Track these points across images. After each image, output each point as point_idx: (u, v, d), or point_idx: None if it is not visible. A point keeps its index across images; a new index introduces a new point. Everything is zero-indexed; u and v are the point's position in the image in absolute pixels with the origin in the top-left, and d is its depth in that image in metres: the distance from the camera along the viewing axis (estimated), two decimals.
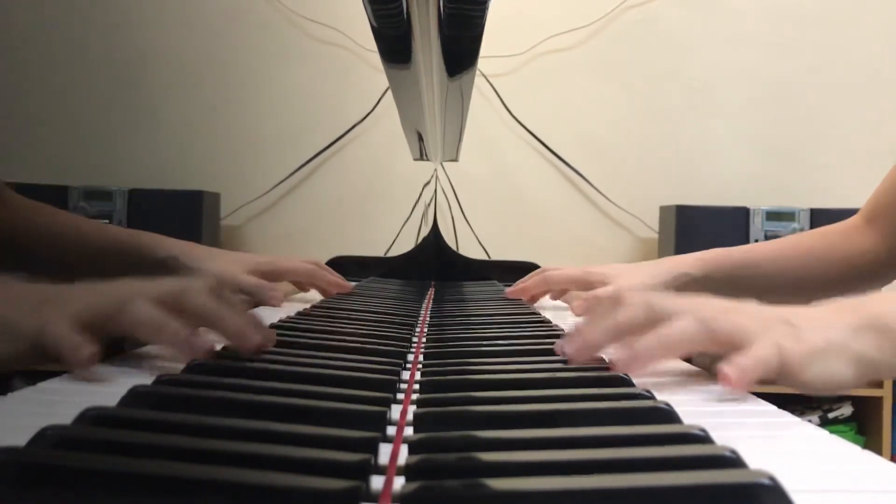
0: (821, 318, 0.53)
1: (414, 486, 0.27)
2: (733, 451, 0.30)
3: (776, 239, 1.12)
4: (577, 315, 0.95)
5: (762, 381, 0.50)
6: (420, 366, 0.53)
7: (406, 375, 0.51)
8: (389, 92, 1.24)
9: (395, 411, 0.40)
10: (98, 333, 0.50)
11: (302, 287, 1.16)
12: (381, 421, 0.36)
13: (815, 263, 1.06)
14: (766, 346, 0.49)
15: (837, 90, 2.44)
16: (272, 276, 1.08)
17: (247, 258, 1.10)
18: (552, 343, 0.62)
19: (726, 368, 0.47)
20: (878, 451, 1.27)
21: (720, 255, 1.06)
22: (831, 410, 2.27)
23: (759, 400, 0.48)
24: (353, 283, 1.21)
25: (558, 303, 1.14)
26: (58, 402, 0.41)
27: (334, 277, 1.14)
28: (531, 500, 0.26)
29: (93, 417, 0.32)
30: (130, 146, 2.45)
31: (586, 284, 1.04)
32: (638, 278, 1.03)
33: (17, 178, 1.92)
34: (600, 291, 1.00)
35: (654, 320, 0.53)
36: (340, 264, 1.45)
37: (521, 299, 1.09)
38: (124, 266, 1.10)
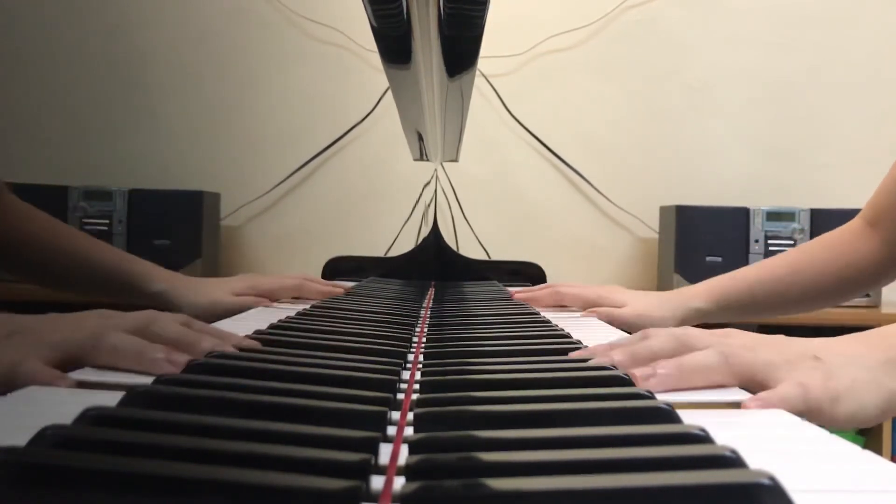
0: (849, 354, 0.54)
1: (414, 486, 0.27)
2: (733, 451, 0.30)
3: (778, 256, 1.12)
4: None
5: None
6: (420, 366, 0.53)
7: (406, 375, 0.51)
8: (389, 92, 1.24)
9: (395, 411, 0.40)
10: (72, 367, 0.51)
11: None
12: (382, 421, 0.36)
13: (820, 278, 1.07)
14: (791, 386, 0.49)
15: (837, 90, 2.44)
16: (259, 296, 1.10)
17: (233, 283, 1.11)
18: (552, 343, 0.62)
19: (750, 402, 0.48)
20: (878, 451, 1.27)
21: (727, 285, 1.08)
22: None
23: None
24: (351, 284, 1.21)
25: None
26: (58, 402, 0.41)
27: (323, 287, 1.15)
28: (531, 500, 0.26)
29: (93, 417, 0.32)
30: (130, 146, 2.46)
31: (597, 306, 1.07)
32: (651, 309, 1.05)
33: (17, 178, 1.92)
34: (618, 312, 1.04)
35: (680, 353, 0.54)
36: (340, 264, 1.45)
37: (520, 300, 1.09)
38: (113, 290, 1.11)
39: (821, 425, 0.47)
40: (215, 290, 1.09)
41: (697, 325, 0.64)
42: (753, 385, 0.52)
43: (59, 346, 0.52)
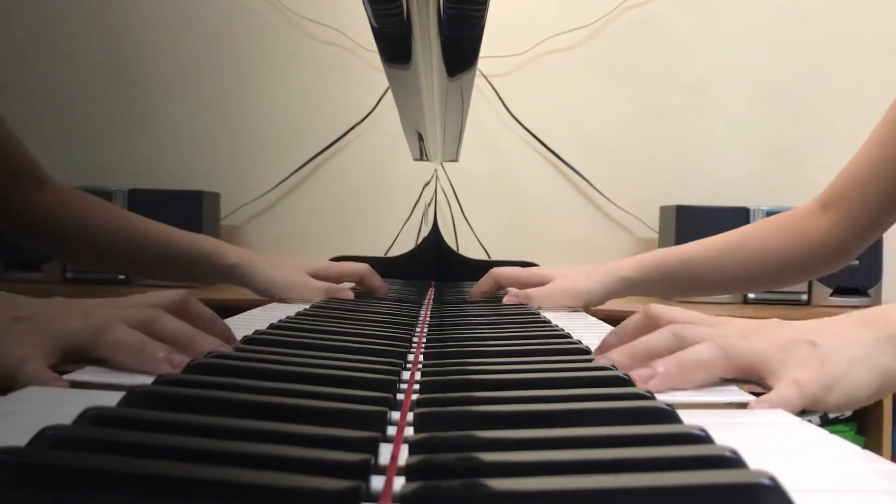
0: (843, 335, 0.54)
1: (414, 486, 0.27)
2: (733, 451, 0.30)
3: (719, 235, 1.11)
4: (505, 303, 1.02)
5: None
6: (420, 366, 0.53)
7: (406, 375, 0.51)
8: (389, 92, 1.24)
9: (395, 411, 0.40)
10: (73, 359, 0.51)
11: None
12: (382, 421, 0.36)
13: (765, 256, 1.07)
14: (787, 386, 0.50)
15: (837, 90, 2.44)
16: (329, 279, 1.11)
17: (308, 265, 1.12)
18: (552, 343, 0.62)
19: (753, 405, 0.48)
20: (878, 451, 1.27)
21: (657, 258, 1.09)
22: None
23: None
24: (351, 284, 1.21)
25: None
26: (58, 402, 0.41)
27: (380, 283, 1.17)
28: (531, 500, 0.26)
29: (93, 417, 0.32)
30: (130, 146, 2.46)
31: (529, 286, 1.08)
32: (578, 282, 1.06)
33: None
34: (534, 291, 1.06)
35: (679, 347, 0.54)
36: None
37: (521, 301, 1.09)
38: (183, 269, 1.11)
39: (815, 411, 0.47)
40: (292, 270, 1.09)
41: (636, 298, 0.63)
42: (751, 375, 0.52)
43: (64, 336, 0.51)
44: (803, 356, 0.52)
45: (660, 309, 0.61)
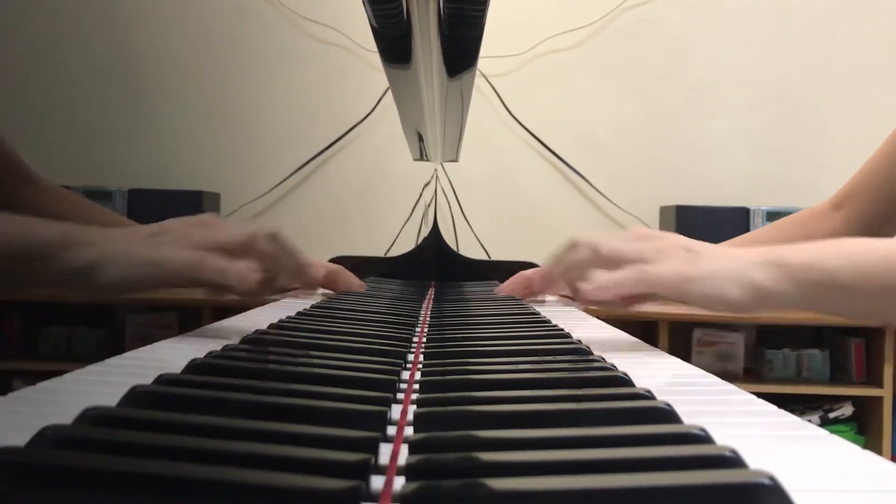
0: (725, 252, 0.61)
1: (414, 485, 0.27)
2: (733, 451, 0.30)
3: (738, 237, 1.14)
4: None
5: (661, 301, 0.62)
6: (420, 366, 0.53)
7: (406, 375, 0.51)
8: (389, 92, 1.24)
9: (395, 411, 0.40)
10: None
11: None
12: (382, 421, 0.36)
13: None
14: (628, 270, 0.59)
15: (837, 90, 2.44)
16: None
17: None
18: (552, 343, 0.62)
19: (583, 284, 0.58)
20: (878, 451, 1.27)
21: None
22: (831, 410, 2.27)
23: (760, 400, 0.48)
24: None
25: (558, 304, 1.14)
26: (58, 402, 0.41)
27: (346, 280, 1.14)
28: (531, 500, 0.26)
29: (93, 417, 0.32)
30: (130, 146, 2.45)
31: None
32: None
33: None
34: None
35: (599, 259, 0.62)
36: (340, 264, 1.45)
37: (519, 299, 1.09)
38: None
39: (678, 301, 0.60)
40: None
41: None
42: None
43: (213, 240, 0.61)
44: (674, 254, 0.60)
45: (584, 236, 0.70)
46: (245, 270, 0.58)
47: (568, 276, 0.65)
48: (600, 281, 0.59)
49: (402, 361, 0.53)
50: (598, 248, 0.62)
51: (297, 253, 0.67)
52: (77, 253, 0.59)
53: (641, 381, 0.48)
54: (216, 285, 0.60)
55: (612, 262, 0.61)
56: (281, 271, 0.64)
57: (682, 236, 0.64)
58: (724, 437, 0.33)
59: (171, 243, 0.60)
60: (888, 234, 1.07)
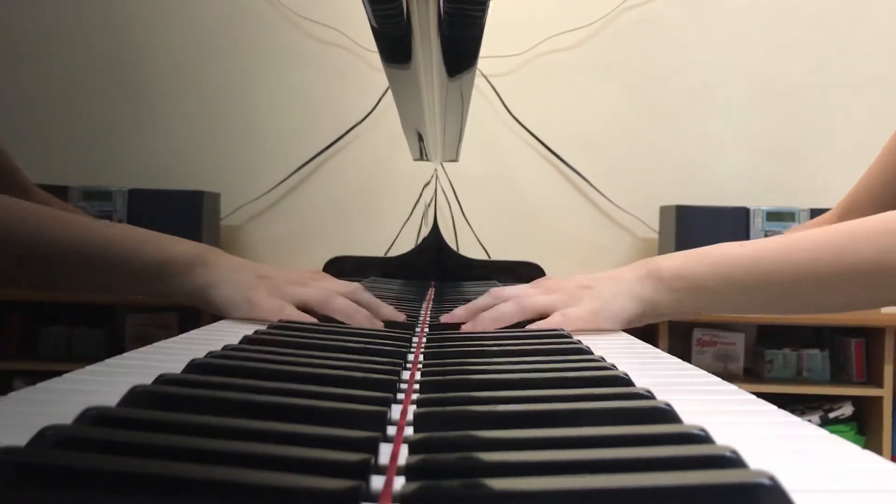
0: (615, 276, 0.74)
1: (414, 486, 0.27)
2: (733, 451, 0.30)
3: (770, 238, 1.14)
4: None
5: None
6: (420, 366, 0.53)
7: (406, 375, 0.51)
8: (389, 92, 1.24)
9: (395, 411, 0.40)
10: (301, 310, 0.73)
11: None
12: (382, 421, 0.36)
13: None
14: (555, 317, 0.71)
15: (837, 90, 2.44)
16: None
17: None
18: (552, 343, 0.62)
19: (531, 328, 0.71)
20: (878, 451, 1.27)
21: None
22: (831, 410, 2.28)
23: (760, 400, 0.48)
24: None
25: None
26: (58, 402, 0.41)
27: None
28: (531, 500, 0.26)
29: (93, 417, 0.32)
30: (130, 146, 2.46)
31: None
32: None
33: None
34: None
35: (525, 314, 0.74)
36: (340, 264, 1.45)
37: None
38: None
39: (595, 329, 0.72)
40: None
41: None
42: (545, 316, 0.73)
43: (298, 297, 0.73)
44: (580, 297, 0.73)
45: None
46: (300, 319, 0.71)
47: (492, 325, 0.75)
48: (540, 324, 0.72)
49: (402, 361, 0.53)
50: (522, 305, 0.73)
51: (374, 306, 0.76)
52: (198, 274, 0.72)
53: (641, 381, 0.48)
54: None
55: (535, 314, 0.74)
56: (354, 324, 0.74)
57: (579, 276, 0.77)
58: (724, 437, 0.33)
59: (269, 290, 0.73)
60: None
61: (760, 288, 0.70)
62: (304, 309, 0.73)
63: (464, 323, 0.74)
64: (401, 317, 0.77)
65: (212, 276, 0.72)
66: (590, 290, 0.73)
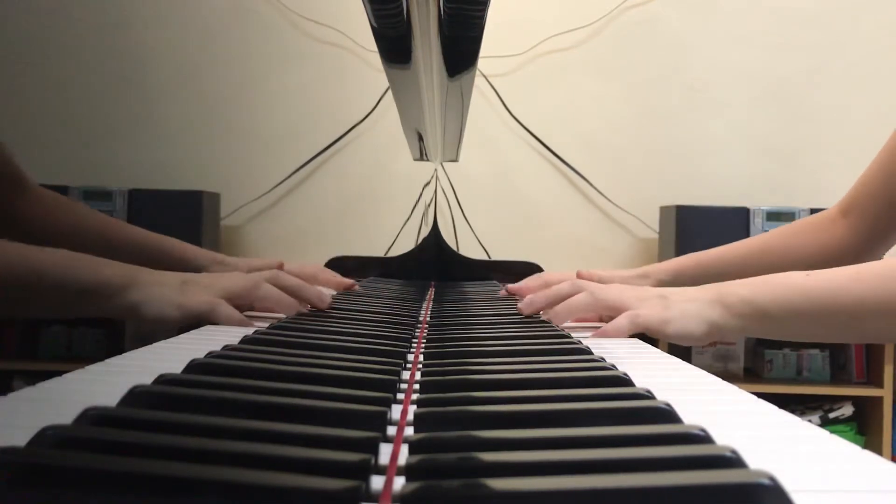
0: (687, 295, 0.77)
1: (414, 486, 0.27)
2: (733, 451, 0.30)
3: (747, 239, 1.17)
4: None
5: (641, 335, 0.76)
6: (420, 366, 0.53)
7: (406, 375, 0.51)
8: (389, 92, 1.24)
9: (395, 411, 0.40)
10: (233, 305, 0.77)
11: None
12: (382, 421, 0.36)
13: (785, 261, 1.08)
14: (623, 318, 0.75)
15: (837, 90, 2.44)
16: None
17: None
18: (552, 343, 0.62)
19: (596, 334, 0.75)
20: (879, 451, 1.27)
21: (690, 260, 1.15)
22: (831, 410, 2.27)
23: (760, 400, 0.48)
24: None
25: None
26: (58, 402, 0.41)
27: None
28: (531, 500, 0.26)
29: (93, 417, 0.32)
30: (130, 146, 2.46)
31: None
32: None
33: None
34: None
35: (598, 305, 0.79)
36: (340, 264, 1.45)
37: (518, 298, 1.09)
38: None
39: (658, 338, 0.76)
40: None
41: None
42: (615, 312, 0.77)
43: (227, 290, 0.77)
44: (652, 302, 0.76)
45: (557, 275, 0.88)
46: (234, 314, 0.75)
47: (566, 316, 0.80)
48: (608, 328, 0.75)
49: (402, 361, 0.53)
50: (596, 297, 0.79)
51: (297, 290, 0.81)
52: (129, 293, 0.75)
53: (641, 381, 0.48)
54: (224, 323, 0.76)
55: (608, 307, 0.78)
56: (282, 310, 0.80)
57: (657, 288, 0.82)
58: (724, 437, 0.33)
59: (195, 292, 0.76)
60: (891, 243, 1.07)
61: (824, 318, 0.74)
62: (234, 301, 0.77)
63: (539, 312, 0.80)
64: (326, 300, 0.83)
65: (143, 294, 0.76)
66: (664, 300, 0.76)
